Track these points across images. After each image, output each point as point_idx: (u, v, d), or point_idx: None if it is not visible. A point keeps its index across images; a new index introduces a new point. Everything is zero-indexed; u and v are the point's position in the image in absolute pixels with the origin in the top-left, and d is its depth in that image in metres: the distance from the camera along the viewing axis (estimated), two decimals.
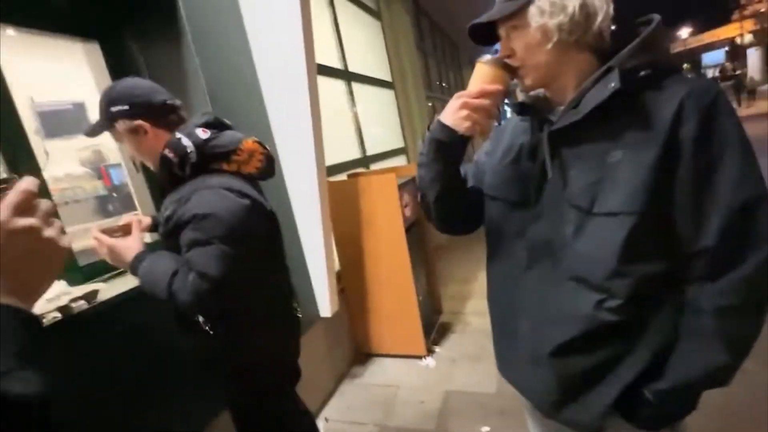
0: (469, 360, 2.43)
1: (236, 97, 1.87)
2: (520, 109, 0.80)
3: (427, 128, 0.80)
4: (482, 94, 0.73)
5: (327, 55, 2.99)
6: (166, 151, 1.00)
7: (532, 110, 0.78)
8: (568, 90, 0.72)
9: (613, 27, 0.70)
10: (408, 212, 2.57)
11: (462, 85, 9.73)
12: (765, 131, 9.79)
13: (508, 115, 0.91)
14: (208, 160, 1.04)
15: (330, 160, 2.75)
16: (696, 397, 0.72)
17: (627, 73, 0.63)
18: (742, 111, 13.47)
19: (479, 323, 2.83)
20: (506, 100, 0.84)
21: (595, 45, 0.69)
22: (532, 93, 0.79)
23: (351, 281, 2.57)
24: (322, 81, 2.83)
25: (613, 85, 0.63)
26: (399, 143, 4.34)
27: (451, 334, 2.76)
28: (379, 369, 2.48)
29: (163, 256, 0.99)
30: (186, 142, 1.01)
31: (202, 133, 1.04)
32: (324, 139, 2.19)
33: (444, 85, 7.61)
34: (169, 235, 1.00)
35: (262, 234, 1.07)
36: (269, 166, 1.18)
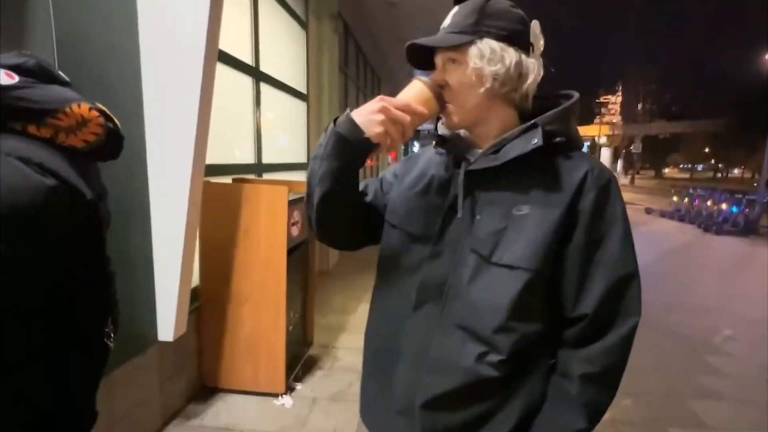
0: (331, 400, 2.23)
1: (99, 54, 1.49)
2: (441, 142, 0.79)
3: (333, 121, 0.73)
4: (406, 109, 0.70)
5: (237, 47, 2.69)
6: None
7: (451, 146, 0.78)
8: (489, 137, 0.74)
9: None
10: (295, 232, 2.35)
11: None
12: None
13: (415, 149, 0.84)
14: (8, 115, 0.73)
15: (215, 158, 2.42)
16: None
17: (547, 134, 0.67)
18: None
19: (350, 360, 2.68)
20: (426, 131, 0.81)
21: (520, 103, 0.73)
22: (444, 132, 0.78)
23: (210, 299, 2.21)
24: (225, 70, 2.53)
25: (535, 141, 0.66)
26: (301, 158, 4.12)
27: (317, 370, 2.54)
28: (224, 408, 2.12)
29: None
30: None
31: (4, 77, 0.73)
32: (213, 135, 1.89)
33: None
34: None
35: (66, 228, 0.77)
36: (110, 144, 0.89)
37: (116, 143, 0.91)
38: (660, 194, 20.03)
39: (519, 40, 0.69)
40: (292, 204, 2.30)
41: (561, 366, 0.70)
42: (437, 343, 0.71)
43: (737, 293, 4.54)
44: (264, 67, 3.05)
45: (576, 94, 0.74)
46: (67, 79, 0.87)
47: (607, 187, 0.68)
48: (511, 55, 0.68)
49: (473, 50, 0.68)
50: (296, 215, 2.36)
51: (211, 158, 2.35)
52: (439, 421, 0.72)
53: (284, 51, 3.69)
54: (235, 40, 2.69)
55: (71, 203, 0.76)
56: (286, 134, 3.87)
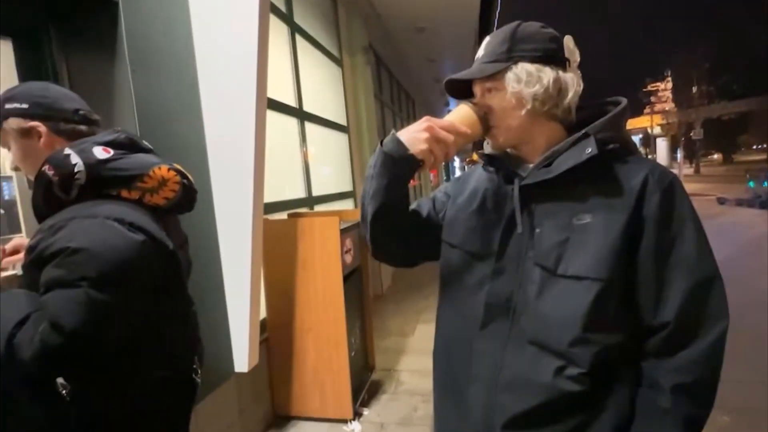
0: (399, 425, 2.24)
1: (171, 119, 1.71)
2: (489, 160, 0.81)
3: (380, 141, 0.77)
4: (451, 129, 0.73)
5: (282, 92, 2.93)
6: (46, 167, 0.82)
7: (500, 163, 0.79)
8: (538, 152, 0.75)
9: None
10: (348, 259, 2.45)
11: None
12: None
13: (456, 164, 0.88)
14: (104, 184, 0.87)
15: (272, 197, 2.61)
16: None
17: (600, 143, 0.67)
18: None
19: (413, 382, 2.67)
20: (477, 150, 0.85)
21: (563, 117, 0.74)
22: (492, 152, 0.81)
23: (277, 331, 2.34)
24: (273, 116, 2.75)
25: (589, 150, 0.66)
26: (348, 187, 4.29)
27: (382, 394, 2.56)
28: None
29: (13, 296, 0.78)
30: (75, 159, 0.83)
31: (102, 152, 0.88)
32: (267, 176, 2.07)
33: None
34: (29, 269, 0.79)
35: (153, 277, 0.89)
36: (185, 198, 1.02)
37: (191, 197, 1.04)
38: (732, 181, 18.17)
39: (554, 58, 0.71)
40: (343, 232, 2.41)
41: (648, 378, 0.67)
42: (509, 361, 0.70)
43: None
44: (307, 107, 3.27)
45: (624, 100, 0.74)
46: (150, 146, 1.03)
47: (671, 188, 0.66)
48: (547, 74, 0.70)
49: (510, 76, 0.71)
50: (348, 243, 2.47)
51: (267, 197, 2.54)
52: None
53: (323, 89, 3.93)
54: (279, 86, 2.93)
55: (157, 254, 0.88)
56: (332, 166, 4.06)
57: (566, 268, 0.66)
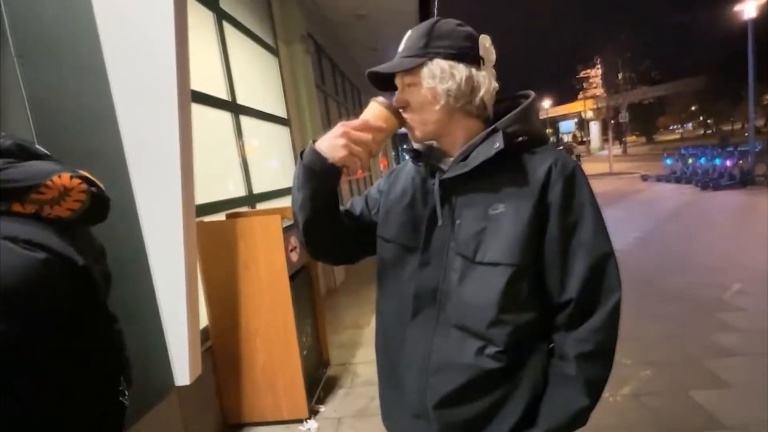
0: (356, 417, 2.24)
1: (76, 118, 1.54)
2: (414, 155, 0.84)
3: (300, 153, 0.79)
4: (364, 127, 0.75)
5: (211, 84, 2.75)
6: None
7: (425, 157, 0.82)
8: (456, 145, 0.78)
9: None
10: (295, 257, 2.38)
11: None
12: (602, 189, 12.10)
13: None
14: None
15: (207, 197, 2.46)
16: None
17: (508, 136, 0.72)
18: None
19: (370, 374, 2.69)
20: (405, 146, 0.87)
21: (478, 113, 0.77)
22: (418, 146, 0.84)
23: (221, 337, 2.23)
24: (202, 110, 2.58)
25: (497, 145, 0.70)
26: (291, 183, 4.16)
27: (338, 389, 2.55)
28: None
29: None
30: None
31: None
32: (200, 175, 1.94)
33: None
34: None
35: (61, 299, 0.80)
36: (95, 208, 0.91)
37: (102, 206, 0.93)
38: (654, 159, 20.06)
39: (468, 56, 0.74)
40: (287, 230, 2.33)
41: (558, 350, 0.75)
42: (438, 346, 0.76)
43: (742, 246, 4.56)
44: (240, 100, 3.11)
45: (532, 94, 0.79)
46: (45, 152, 0.91)
47: (572, 176, 0.72)
48: (461, 71, 0.72)
49: (425, 71, 0.73)
50: (294, 241, 2.39)
51: (202, 197, 2.39)
52: (453, 418, 0.76)
53: (258, 80, 3.75)
54: (207, 78, 2.75)
55: (64, 272, 0.79)
56: (274, 161, 3.92)
57: (483, 255, 0.72)
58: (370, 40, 6.70)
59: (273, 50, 4.06)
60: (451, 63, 0.72)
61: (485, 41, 0.76)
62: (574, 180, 0.72)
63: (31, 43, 1.36)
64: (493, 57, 0.77)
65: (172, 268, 1.76)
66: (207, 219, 2.34)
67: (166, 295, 1.79)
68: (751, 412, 1.89)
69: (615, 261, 0.73)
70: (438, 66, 0.72)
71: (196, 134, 1.82)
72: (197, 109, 2.52)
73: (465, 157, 0.74)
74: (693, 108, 50.58)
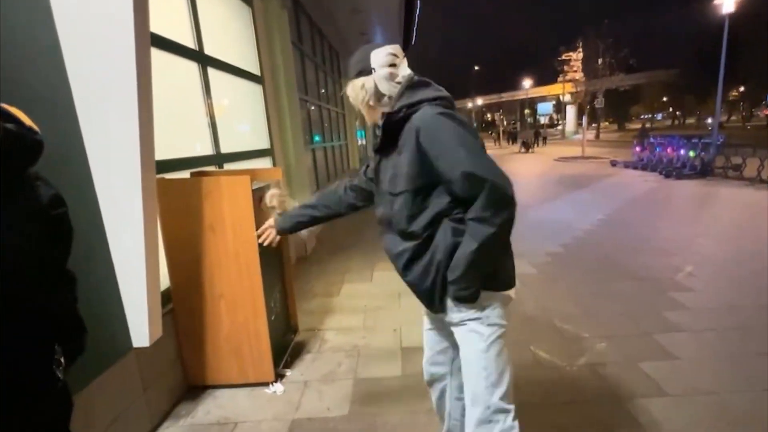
0: (322, 381, 2.25)
1: (12, 56, 1.35)
2: (375, 129, 1.31)
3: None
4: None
5: (175, 31, 2.51)
6: None
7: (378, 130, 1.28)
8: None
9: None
10: (260, 221, 2.29)
11: (337, 93, 9.80)
12: (572, 172, 12.40)
13: None
14: None
15: (169, 153, 2.30)
16: (474, 279, 1.13)
17: (389, 115, 1.17)
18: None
19: (337, 340, 2.70)
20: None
21: (389, 103, 1.22)
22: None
23: (184, 299, 2.15)
24: (165, 57, 2.37)
25: (381, 121, 1.20)
26: (264, 144, 3.99)
27: (305, 354, 2.55)
28: (214, 403, 2.11)
29: None
30: None
31: None
32: (162, 128, 1.78)
33: (322, 91, 7.48)
34: None
35: None
36: (16, 147, 0.80)
37: (25, 145, 0.81)
38: (624, 146, 20.70)
39: (363, 70, 1.22)
40: (257, 193, 2.23)
41: (467, 218, 1.10)
42: (390, 242, 1.26)
43: (697, 233, 4.82)
44: (209, 51, 2.88)
45: (409, 77, 1.21)
46: None
47: (431, 124, 1.10)
48: (365, 82, 1.22)
49: (348, 87, 1.27)
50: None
51: (165, 153, 2.23)
52: (409, 278, 1.23)
53: (230, 32, 3.49)
54: (171, 24, 2.51)
55: None
56: (245, 120, 3.72)
57: (395, 189, 1.18)
58: (353, 1, 6.36)
59: (246, 0, 3.77)
60: (359, 79, 1.23)
61: (375, 54, 1.20)
62: (432, 126, 1.10)
63: None
64: (385, 62, 1.20)
65: (130, 225, 1.64)
66: (169, 176, 2.19)
67: (122, 254, 1.68)
68: (694, 383, 2.04)
69: (481, 160, 1.07)
70: (352, 83, 1.25)
71: (158, 83, 1.66)
72: (158, 55, 2.31)
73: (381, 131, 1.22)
74: (664, 99, 52.18)
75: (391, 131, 1.16)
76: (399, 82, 1.19)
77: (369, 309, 3.14)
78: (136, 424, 1.84)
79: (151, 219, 1.69)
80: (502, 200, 1.05)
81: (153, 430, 1.92)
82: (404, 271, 1.22)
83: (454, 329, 1.24)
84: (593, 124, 38.68)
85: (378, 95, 1.20)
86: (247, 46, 3.77)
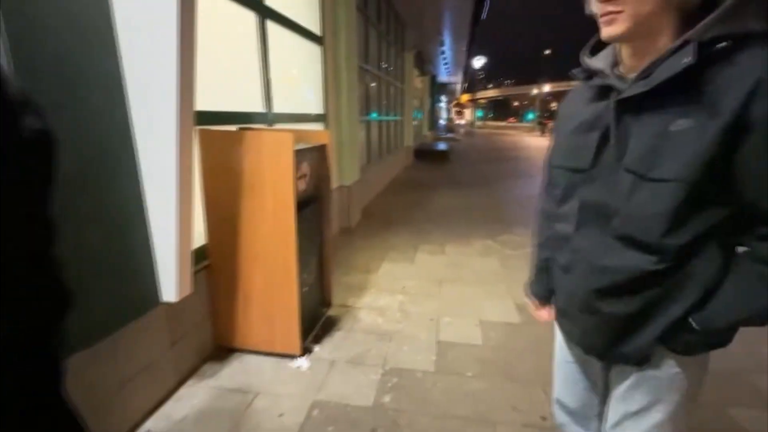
0: (350, 363, 2.11)
1: None
2: (587, 75, 0.84)
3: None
4: None
5: None
6: None
7: (601, 75, 0.80)
8: (650, 52, 0.71)
9: None
10: (302, 185, 2.14)
11: (402, 69, 9.40)
12: None
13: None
14: None
15: (218, 105, 2.20)
16: (734, 332, 0.79)
17: (702, 47, 0.64)
18: None
19: (370, 321, 2.54)
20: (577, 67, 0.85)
21: (687, 8, 0.69)
22: (594, 65, 0.81)
23: (219, 257, 2.08)
24: (218, 1, 2.23)
25: (686, 60, 0.64)
26: (318, 109, 3.83)
27: (336, 331, 2.42)
28: (240, 368, 2.05)
29: None
30: None
31: None
32: (212, 79, 1.65)
33: (384, 64, 7.19)
34: None
35: None
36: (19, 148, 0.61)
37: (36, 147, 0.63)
38: None
39: None
40: (301, 154, 2.08)
41: (753, 253, 0.72)
42: (599, 254, 0.80)
43: None
44: (270, 2, 2.72)
45: None
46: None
47: None
48: None
49: None
50: (305, 167, 2.15)
51: (213, 105, 2.14)
52: (614, 309, 0.80)
53: None
54: None
55: None
56: (301, 82, 3.57)
57: (655, 172, 0.70)
58: None
59: None
60: None
61: None
62: None
63: None
64: None
65: (164, 176, 1.55)
66: (212, 128, 2.10)
67: (156, 203, 1.60)
68: None
69: None
70: None
71: (209, 29, 1.52)
72: (218, 4, 2.18)
73: (648, 74, 0.70)
74: None
75: (678, 78, 0.65)
76: None
77: (408, 292, 2.94)
78: (163, 377, 1.81)
79: (185, 170, 1.58)
80: None
81: (178, 385, 1.89)
82: (606, 297, 0.79)
83: (643, 381, 0.85)
84: None
85: None
86: (309, 4, 3.58)
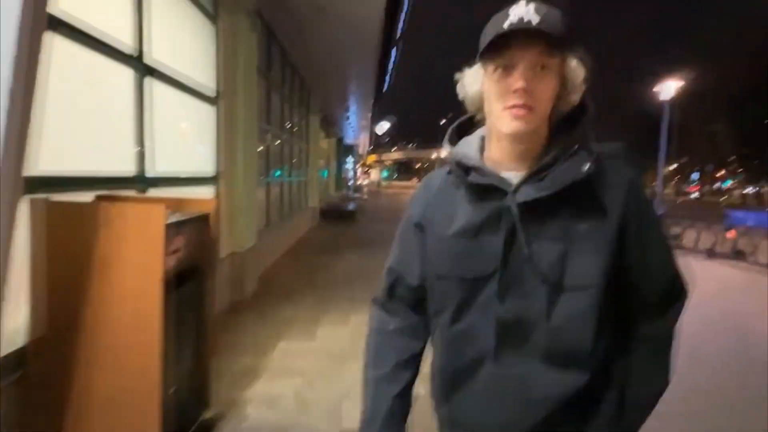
0: None
1: None
2: (465, 171, 0.75)
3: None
4: None
5: (109, 27, 2.13)
6: None
7: (479, 175, 0.74)
8: (533, 151, 0.72)
9: None
10: (172, 261, 1.83)
11: (307, 131, 9.58)
12: None
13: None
14: None
15: (71, 166, 1.85)
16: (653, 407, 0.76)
17: (597, 158, 0.69)
18: None
19: (260, 417, 2.18)
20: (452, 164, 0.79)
21: (559, 114, 0.74)
22: (468, 161, 0.75)
23: (48, 361, 1.60)
24: (85, 54, 1.96)
25: (587, 167, 0.68)
26: (209, 170, 3.55)
27: None
28: None
29: None
30: None
31: None
32: (65, 135, 1.34)
33: (288, 125, 7.22)
34: None
35: None
36: None
37: None
38: None
39: (572, 46, 0.70)
40: (178, 227, 1.81)
41: (648, 335, 0.75)
42: (530, 385, 0.71)
43: None
44: (152, 61, 2.51)
45: (590, 103, 0.74)
46: None
47: (642, 190, 0.74)
48: (575, 63, 0.71)
49: (572, 62, 0.70)
50: (179, 241, 1.85)
51: (64, 166, 1.78)
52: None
53: (187, 47, 3.16)
54: (106, 20, 2.13)
55: None
56: (188, 142, 3.29)
57: (570, 279, 0.68)
58: (331, 42, 6.30)
59: (211, 16, 3.50)
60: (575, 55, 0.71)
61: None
62: (644, 194, 0.74)
63: None
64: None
65: None
66: (62, 197, 1.73)
67: None
68: None
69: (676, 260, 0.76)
70: (573, 61, 0.70)
71: (74, 81, 1.25)
72: (70, 48, 1.89)
73: (541, 176, 0.69)
74: None
75: (567, 181, 0.67)
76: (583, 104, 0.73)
77: (306, 374, 2.65)
78: None
79: (4, 251, 1.22)
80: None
81: None
82: (570, 422, 0.71)
83: None
84: None
85: (574, 91, 0.71)
86: (205, 64, 3.44)
